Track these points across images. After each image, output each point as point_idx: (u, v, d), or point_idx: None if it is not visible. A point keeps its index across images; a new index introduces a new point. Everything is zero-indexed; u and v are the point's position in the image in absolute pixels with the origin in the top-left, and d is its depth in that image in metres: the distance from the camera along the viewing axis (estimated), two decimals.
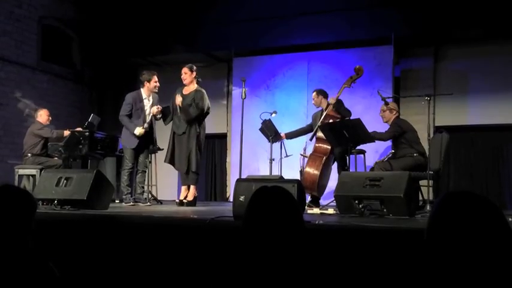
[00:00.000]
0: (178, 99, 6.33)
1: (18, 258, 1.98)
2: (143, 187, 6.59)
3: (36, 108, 7.91)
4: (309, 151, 6.61)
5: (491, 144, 8.25)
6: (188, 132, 6.27)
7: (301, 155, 6.80)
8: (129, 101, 6.39)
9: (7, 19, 8.30)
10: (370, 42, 8.18)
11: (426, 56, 8.51)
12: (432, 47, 8.45)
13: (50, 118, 7.64)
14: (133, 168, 6.43)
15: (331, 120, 6.20)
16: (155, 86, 6.44)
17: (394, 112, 6.01)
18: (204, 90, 6.41)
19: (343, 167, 6.11)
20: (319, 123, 6.25)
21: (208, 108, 6.40)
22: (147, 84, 6.42)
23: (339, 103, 6.31)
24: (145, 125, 6.35)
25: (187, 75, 6.41)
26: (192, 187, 6.38)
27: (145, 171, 6.60)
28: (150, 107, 6.43)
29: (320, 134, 6.20)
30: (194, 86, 6.43)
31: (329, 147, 6.19)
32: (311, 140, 6.50)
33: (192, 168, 6.27)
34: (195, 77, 6.44)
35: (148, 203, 6.52)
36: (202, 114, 6.33)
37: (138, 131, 6.31)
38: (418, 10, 7.86)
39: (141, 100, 6.42)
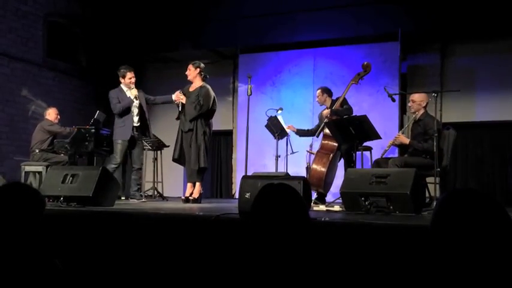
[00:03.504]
0: (179, 96, 6.35)
1: (25, 254, 1.98)
2: (139, 184, 6.65)
3: (45, 107, 7.96)
4: (315, 147, 6.60)
5: (499, 141, 8.21)
6: (195, 129, 6.25)
7: (308, 151, 6.79)
8: (114, 96, 6.51)
9: (13, 16, 8.31)
10: (376, 39, 8.14)
11: (433, 52, 8.47)
12: (439, 43, 8.40)
13: (59, 117, 7.70)
14: (120, 164, 6.43)
15: (335, 117, 6.17)
16: (130, 82, 6.54)
17: (424, 104, 5.63)
18: (209, 86, 6.39)
19: (349, 164, 6.08)
20: (325, 120, 6.24)
21: (214, 105, 6.37)
22: (122, 80, 6.59)
23: (342, 102, 6.30)
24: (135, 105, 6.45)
25: (190, 71, 6.43)
26: (197, 184, 6.35)
27: (141, 168, 6.64)
28: (134, 99, 6.48)
29: (327, 130, 6.18)
30: (199, 83, 6.40)
31: (336, 144, 6.16)
32: (317, 136, 6.48)
33: (200, 164, 6.23)
34: (199, 73, 6.41)
35: (143, 200, 6.60)
36: (207, 112, 6.30)
37: (132, 93, 6.45)
38: (425, 6, 7.82)
39: (124, 94, 6.54)
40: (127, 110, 6.46)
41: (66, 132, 7.51)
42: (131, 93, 6.51)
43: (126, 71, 6.59)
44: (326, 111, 6.40)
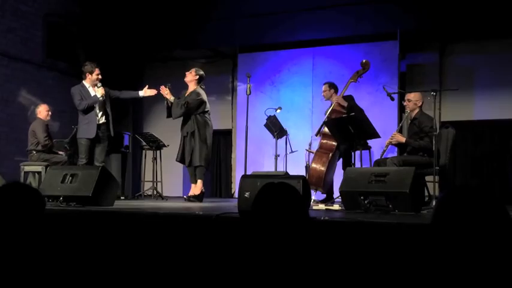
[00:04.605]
0: (165, 91, 6.54)
1: (25, 254, 1.98)
2: None
3: (37, 104, 7.85)
4: (314, 147, 6.60)
5: (498, 139, 8.21)
6: (191, 131, 6.42)
7: (307, 150, 6.79)
8: (77, 92, 6.46)
9: (13, 16, 8.31)
10: (375, 37, 8.13)
11: (432, 51, 8.47)
12: (438, 42, 8.40)
13: (50, 113, 7.55)
14: (88, 162, 6.35)
15: (335, 115, 6.17)
16: (97, 78, 6.48)
17: (419, 103, 5.67)
18: (201, 91, 6.53)
19: (348, 163, 6.09)
20: (325, 119, 6.24)
21: (202, 107, 6.46)
22: (89, 76, 6.50)
23: (347, 98, 6.30)
24: (100, 97, 6.39)
25: (191, 74, 6.62)
26: (199, 181, 6.45)
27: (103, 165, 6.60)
28: (101, 97, 6.40)
29: (326, 130, 6.17)
30: (193, 87, 6.58)
31: (335, 143, 6.17)
32: (317, 135, 6.48)
33: (196, 163, 6.37)
34: (196, 80, 6.58)
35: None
36: (190, 111, 6.41)
37: (99, 92, 6.36)
38: (424, 5, 7.81)
39: (87, 91, 6.49)
40: (91, 108, 6.40)
41: (43, 143, 7.26)
42: (97, 91, 6.41)
43: (93, 66, 6.51)
44: (337, 98, 6.30)
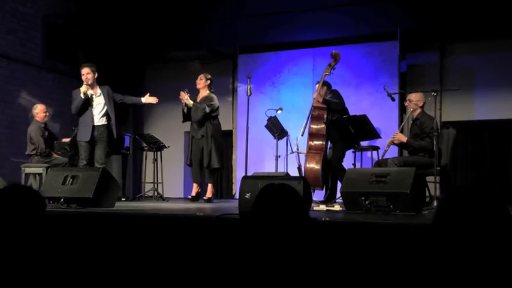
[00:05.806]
0: (185, 96, 6.73)
1: (26, 256, 1.98)
2: None
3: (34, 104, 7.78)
4: (301, 147, 6.57)
5: (499, 139, 8.21)
6: (206, 135, 6.65)
7: (296, 152, 6.77)
8: (73, 95, 6.45)
9: (12, 17, 8.31)
10: (375, 38, 8.14)
11: (432, 51, 8.47)
12: (438, 42, 8.41)
13: (48, 114, 7.53)
14: (88, 164, 6.31)
15: (317, 112, 6.15)
16: (84, 79, 6.35)
17: (421, 104, 5.69)
18: (213, 96, 6.79)
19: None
20: (309, 117, 6.22)
21: (217, 109, 6.77)
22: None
23: (332, 93, 6.30)
24: (89, 90, 6.32)
25: (202, 80, 6.86)
26: (209, 185, 6.79)
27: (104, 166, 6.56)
28: (82, 95, 6.31)
29: (313, 128, 6.14)
30: (205, 93, 6.81)
31: (323, 142, 6.14)
32: (302, 135, 6.41)
33: (215, 165, 6.64)
34: (208, 84, 6.84)
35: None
36: (209, 115, 6.65)
37: (82, 89, 6.27)
38: (424, 5, 7.82)
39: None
40: (83, 109, 6.34)
41: (43, 150, 7.27)
42: (81, 89, 6.30)
43: (81, 68, 6.45)
44: (316, 95, 6.31)
